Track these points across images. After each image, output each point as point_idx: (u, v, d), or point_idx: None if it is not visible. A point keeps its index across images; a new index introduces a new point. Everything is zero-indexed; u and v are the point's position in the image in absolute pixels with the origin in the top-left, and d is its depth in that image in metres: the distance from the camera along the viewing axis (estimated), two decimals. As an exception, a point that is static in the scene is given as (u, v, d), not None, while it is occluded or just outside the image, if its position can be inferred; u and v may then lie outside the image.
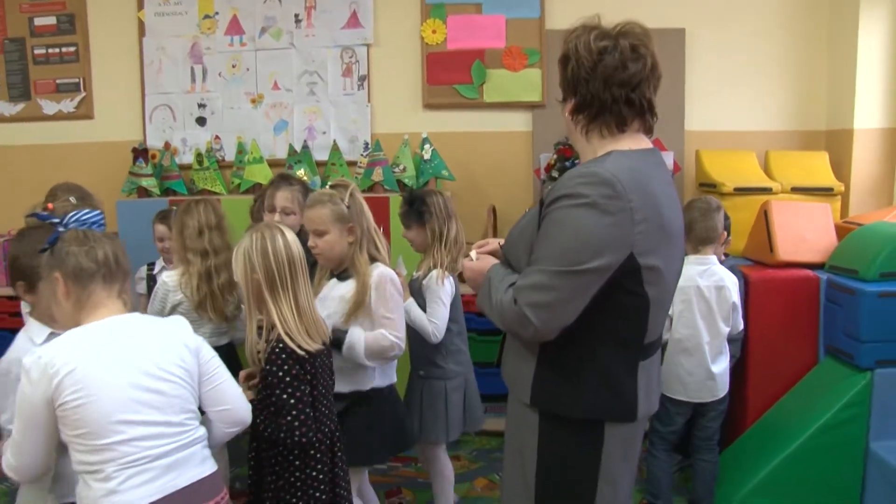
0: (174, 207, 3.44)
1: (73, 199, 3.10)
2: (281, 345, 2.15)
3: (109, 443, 1.69)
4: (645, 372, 1.80)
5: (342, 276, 2.58)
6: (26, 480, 1.83)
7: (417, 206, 2.99)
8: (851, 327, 3.21)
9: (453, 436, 3.01)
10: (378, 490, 3.08)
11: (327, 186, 2.65)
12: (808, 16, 4.33)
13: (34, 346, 1.95)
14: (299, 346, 2.16)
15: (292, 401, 2.14)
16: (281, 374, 2.14)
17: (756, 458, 3.31)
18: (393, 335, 2.50)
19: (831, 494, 3.22)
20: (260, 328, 2.25)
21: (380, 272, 2.53)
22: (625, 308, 1.73)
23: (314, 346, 2.20)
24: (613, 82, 1.71)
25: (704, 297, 3.09)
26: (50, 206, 2.93)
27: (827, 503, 3.23)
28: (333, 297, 2.56)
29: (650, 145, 1.80)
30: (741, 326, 3.22)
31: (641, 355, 1.79)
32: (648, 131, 1.80)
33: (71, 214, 1.88)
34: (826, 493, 3.22)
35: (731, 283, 3.13)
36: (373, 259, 2.57)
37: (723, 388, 3.15)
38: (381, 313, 2.51)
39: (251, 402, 2.06)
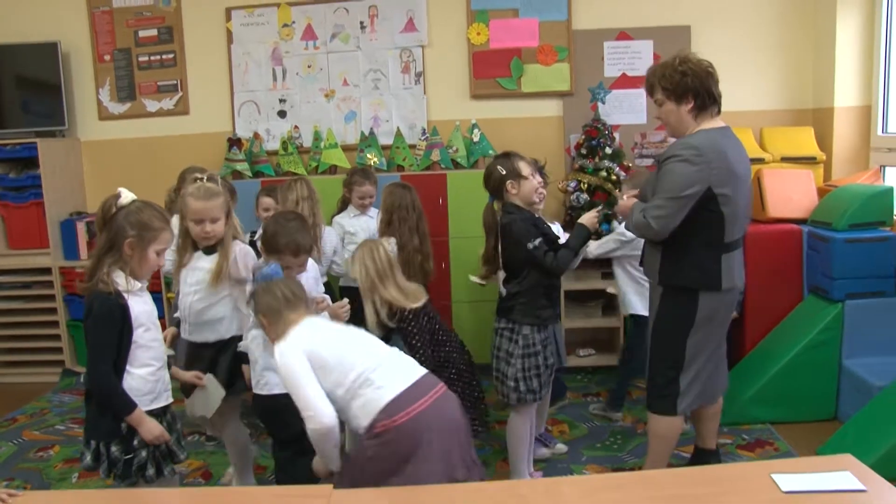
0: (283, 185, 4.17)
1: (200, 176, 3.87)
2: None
3: (361, 360, 2.34)
4: (727, 261, 2.86)
5: (208, 250, 3.00)
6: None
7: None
8: (826, 268, 3.92)
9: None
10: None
11: (204, 178, 3.01)
12: (795, 11, 4.95)
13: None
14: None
15: (419, 345, 3.05)
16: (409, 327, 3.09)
17: (753, 375, 3.98)
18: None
19: (813, 400, 3.90)
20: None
21: (241, 247, 3.02)
22: (708, 220, 2.80)
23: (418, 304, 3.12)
24: (713, 84, 2.83)
25: None
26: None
27: (810, 407, 3.90)
28: (201, 267, 2.99)
29: (723, 124, 2.91)
30: None
31: (724, 250, 2.85)
32: (718, 113, 2.91)
33: (258, 273, 2.62)
34: (809, 400, 3.89)
35: None
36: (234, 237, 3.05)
37: None
38: (242, 276, 3.00)
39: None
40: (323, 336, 2.41)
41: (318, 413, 2.22)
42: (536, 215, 3.22)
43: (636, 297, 3.87)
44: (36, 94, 5.31)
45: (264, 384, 2.81)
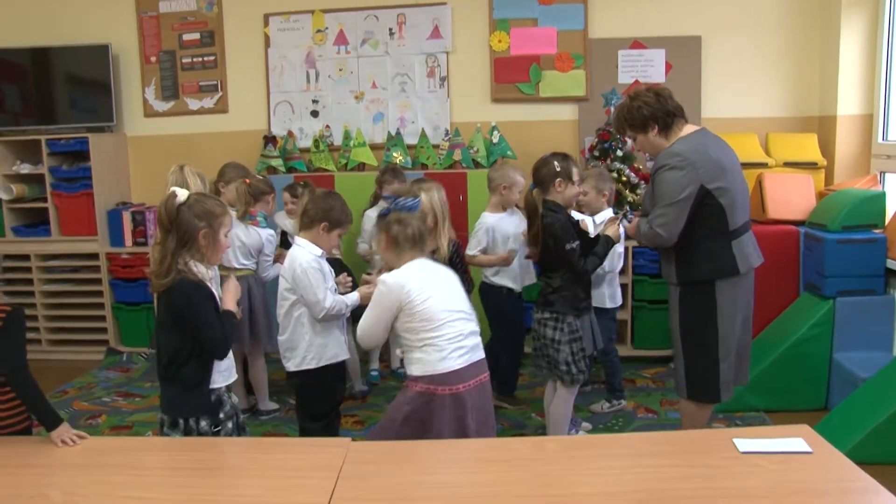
0: (303, 182, 4.60)
1: (259, 176, 4.28)
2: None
3: (441, 323, 2.62)
4: (738, 246, 3.11)
5: None
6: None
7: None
8: (819, 267, 4.15)
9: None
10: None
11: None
12: (802, 23, 5.18)
13: (315, 256, 3.10)
14: None
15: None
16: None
17: (749, 367, 4.22)
18: None
19: (805, 391, 4.12)
20: None
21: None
22: (709, 214, 3.06)
23: None
24: (666, 103, 3.14)
25: None
26: (247, 181, 4.11)
27: (802, 397, 4.12)
28: None
29: (698, 127, 3.21)
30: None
31: (732, 237, 3.10)
32: (687, 120, 3.20)
33: (400, 200, 2.84)
34: (801, 390, 4.12)
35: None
36: None
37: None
38: None
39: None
40: (426, 285, 2.68)
41: (367, 340, 2.75)
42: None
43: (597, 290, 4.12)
44: (87, 93, 5.68)
45: (297, 361, 3.15)
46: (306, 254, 3.10)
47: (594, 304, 4.12)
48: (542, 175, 3.44)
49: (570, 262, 3.35)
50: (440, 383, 2.59)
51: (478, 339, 2.75)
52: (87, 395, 4.81)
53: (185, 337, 2.52)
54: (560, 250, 3.33)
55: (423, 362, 2.63)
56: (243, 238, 4.10)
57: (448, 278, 2.80)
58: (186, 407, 2.56)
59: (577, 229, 3.44)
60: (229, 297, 2.64)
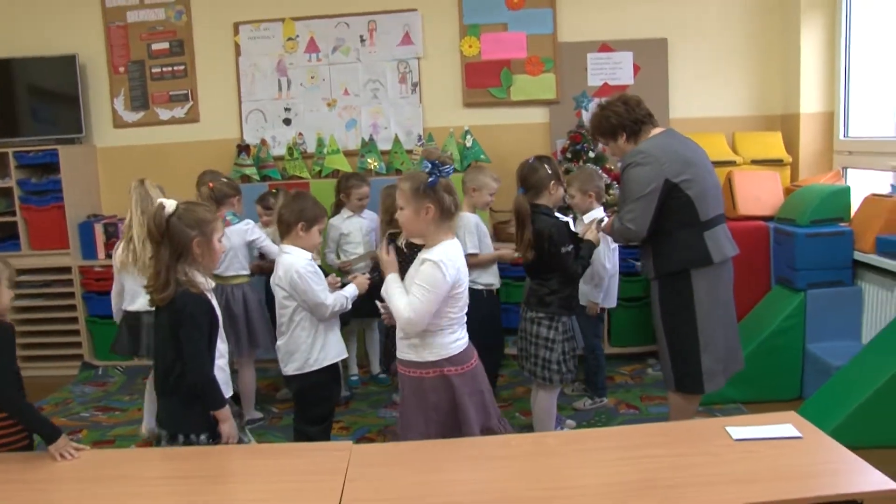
0: (274, 191, 4.59)
1: (223, 179, 4.27)
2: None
3: (461, 313, 2.65)
4: (711, 237, 3.22)
5: None
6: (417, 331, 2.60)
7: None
8: (790, 261, 4.27)
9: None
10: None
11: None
12: (763, 25, 5.32)
13: (307, 258, 3.10)
14: None
15: None
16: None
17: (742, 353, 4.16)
18: None
19: (780, 381, 4.23)
20: None
21: None
22: (679, 205, 3.18)
23: None
24: (632, 110, 3.30)
25: None
26: (210, 184, 4.10)
27: (777, 388, 4.22)
28: None
29: (664, 129, 3.35)
30: None
31: (704, 228, 3.21)
32: (656, 125, 3.34)
33: (444, 167, 2.60)
34: (776, 381, 4.22)
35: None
36: None
37: None
38: None
39: None
40: (463, 268, 2.68)
41: (420, 325, 2.58)
42: None
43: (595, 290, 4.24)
44: (54, 104, 5.60)
45: (297, 364, 3.16)
46: (299, 258, 3.12)
47: (593, 303, 4.27)
48: (535, 180, 3.45)
49: (565, 265, 3.41)
50: (458, 364, 2.63)
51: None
52: (64, 411, 4.74)
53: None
54: (556, 254, 3.39)
55: (439, 346, 2.63)
56: (225, 242, 4.09)
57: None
58: (186, 424, 2.53)
59: (569, 231, 3.50)
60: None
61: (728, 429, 2.32)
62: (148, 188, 3.77)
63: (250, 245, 4.22)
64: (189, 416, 2.52)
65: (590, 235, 3.54)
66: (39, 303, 5.54)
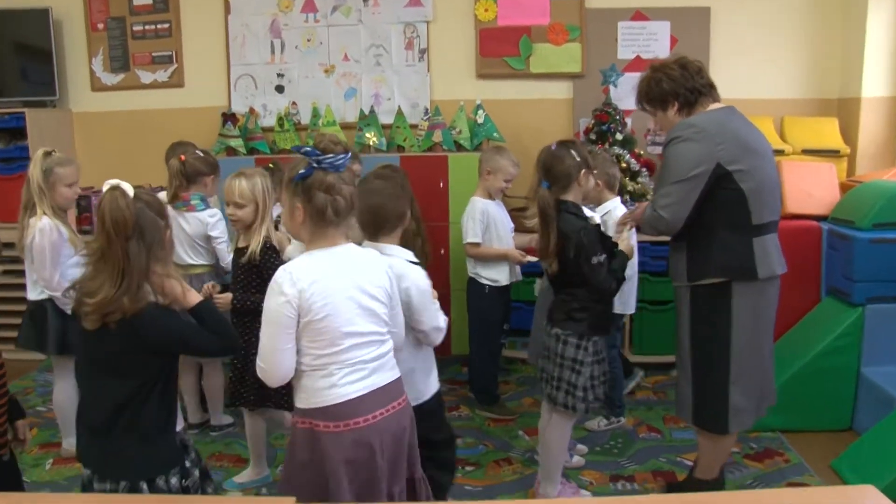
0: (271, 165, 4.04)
1: (199, 153, 3.75)
2: None
3: (337, 350, 1.99)
4: (760, 245, 2.67)
5: None
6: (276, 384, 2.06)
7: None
8: (847, 269, 3.75)
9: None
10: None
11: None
12: None
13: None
14: None
15: None
16: None
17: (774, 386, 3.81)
18: None
19: (828, 409, 3.73)
20: None
21: None
22: (728, 201, 2.64)
23: None
24: (692, 78, 2.74)
25: None
26: (182, 157, 3.59)
27: (824, 417, 3.74)
28: None
29: (725, 105, 2.79)
30: None
31: (754, 233, 2.67)
32: (717, 99, 2.79)
33: (327, 157, 2.02)
34: (824, 409, 3.73)
35: None
36: None
37: None
38: None
39: None
40: (329, 289, 2.10)
41: (265, 369, 2.03)
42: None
43: None
44: (26, 62, 5.18)
45: None
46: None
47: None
48: (561, 171, 2.86)
49: (597, 278, 2.83)
50: (333, 418, 2.00)
51: (387, 358, 2.14)
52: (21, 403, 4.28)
53: (150, 370, 2.01)
54: (585, 264, 2.81)
55: (308, 390, 2.03)
56: (185, 227, 3.60)
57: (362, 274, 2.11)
58: (152, 464, 2.04)
59: (601, 236, 2.93)
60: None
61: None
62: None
63: (208, 239, 3.68)
64: (154, 454, 2.04)
65: (623, 245, 2.98)
66: (4, 280, 5.08)
